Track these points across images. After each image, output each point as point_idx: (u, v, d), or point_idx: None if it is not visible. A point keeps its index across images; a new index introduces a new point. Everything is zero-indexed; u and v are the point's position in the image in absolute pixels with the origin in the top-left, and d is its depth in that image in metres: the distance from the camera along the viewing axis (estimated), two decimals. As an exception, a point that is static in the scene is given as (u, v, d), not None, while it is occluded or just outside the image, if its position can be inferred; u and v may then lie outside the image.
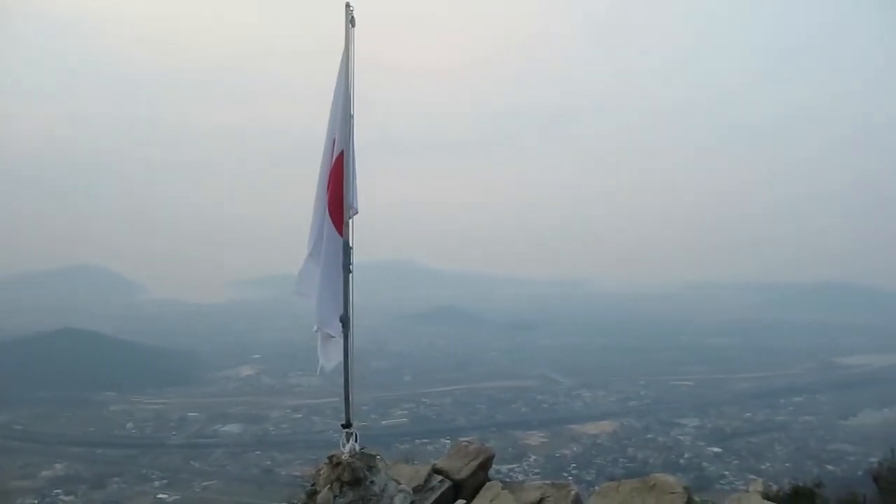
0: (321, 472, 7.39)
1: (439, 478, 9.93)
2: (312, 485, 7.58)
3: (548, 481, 10.41)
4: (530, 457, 79.39)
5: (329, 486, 7.06)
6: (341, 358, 7.48)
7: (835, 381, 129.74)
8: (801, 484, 13.04)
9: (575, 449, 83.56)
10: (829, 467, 70.89)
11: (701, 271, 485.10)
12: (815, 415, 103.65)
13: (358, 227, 7.74)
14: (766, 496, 11.29)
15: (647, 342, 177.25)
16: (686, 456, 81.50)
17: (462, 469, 10.21)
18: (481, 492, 9.86)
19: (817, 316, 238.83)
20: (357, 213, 7.64)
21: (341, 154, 7.37)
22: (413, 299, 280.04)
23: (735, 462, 78.97)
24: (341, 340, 7.40)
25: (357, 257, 7.81)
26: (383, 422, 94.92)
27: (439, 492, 9.66)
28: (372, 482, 7.09)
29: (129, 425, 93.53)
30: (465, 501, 9.70)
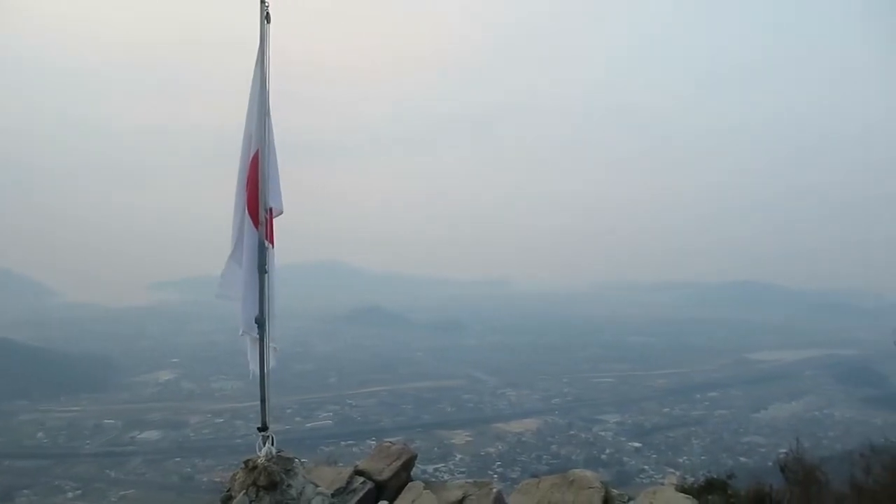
0: (237, 477, 7.21)
1: (361, 479, 9.85)
2: (228, 490, 7.38)
3: (471, 480, 10.45)
4: (456, 456, 79.68)
5: (245, 490, 6.89)
6: (273, 363, 7.34)
7: (747, 376, 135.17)
8: (714, 476, 13.47)
9: (500, 447, 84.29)
10: (742, 459, 73.76)
11: (621, 271, 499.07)
12: (729, 409, 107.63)
13: (283, 228, 7.62)
14: (682, 489, 11.62)
15: (569, 341, 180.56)
16: (608, 451, 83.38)
17: (384, 470, 10.15)
18: (403, 492, 9.83)
19: (731, 314, 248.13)
20: (281, 213, 7.50)
21: (257, 152, 7.23)
22: (338, 300, 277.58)
23: (654, 456, 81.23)
24: (270, 343, 7.26)
25: (282, 258, 7.68)
26: (308, 424, 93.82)
27: (361, 493, 9.57)
28: (289, 486, 6.96)
29: (40, 435, 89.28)
30: (387, 502, 9.64)
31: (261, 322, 7.06)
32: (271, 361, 7.31)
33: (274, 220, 7.49)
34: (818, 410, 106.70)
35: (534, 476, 10.60)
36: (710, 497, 11.60)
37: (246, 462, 7.14)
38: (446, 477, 61.90)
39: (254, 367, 7.27)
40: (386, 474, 10.06)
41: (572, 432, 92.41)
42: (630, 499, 9.65)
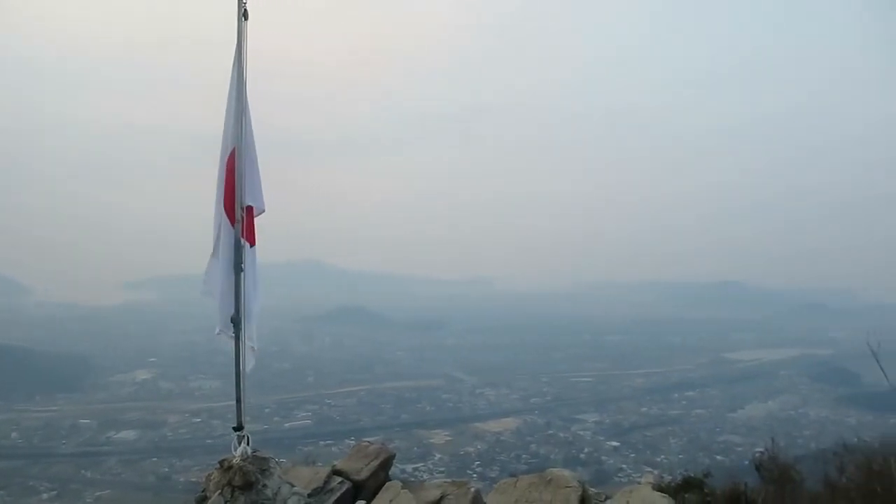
0: (212, 478, 7.14)
1: (339, 479, 9.82)
2: (203, 490, 7.31)
3: (449, 480, 10.45)
4: (435, 455, 79.63)
5: (220, 491, 6.82)
6: (252, 362, 7.29)
7: (724, 375, 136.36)
8: (691, 475, 13.56)
9: (479, 446, 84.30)
10: (719, 458, 74.27)
11: (601, 271, 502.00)
12: (707, 408, 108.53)
13: (263, 227, 7.55)
14: (659, 487, 11.68)
15: (549, 340, 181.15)
16: (586, 450, 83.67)
17: (362, 470, 10.12)
18: (381, 492, 9.80)
19: (709, 314, 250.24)
20: (263, 212, 7.45)
21: (234, 151, 7.16)
22: (318, 299, 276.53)
23: (632, 455, 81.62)
24: (248, 343, 7.21)
25: (262, 257, 7.62)
26: (286, 424, 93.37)
27: (338, 493, 9.54)
28: (264, 486, 6.89)
29: (15, 435, 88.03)
30: (364, 502, 9.61)
31: (236, 321, 6.99)
32: (251, 361, 7.27)
33: (255, 218, 7.44)
34: (794, 410, 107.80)
35: (512, 475, 10.61)
36: (686, 495, 11.67)
37: (221, 462, 7.07)
38: (425, 476, 61.86)
39: (251, 360, 7.27)
40: (364, 474, 10.03)
41: (551, 431, 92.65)
42: (607, 497, 9.69)
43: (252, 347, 7.29)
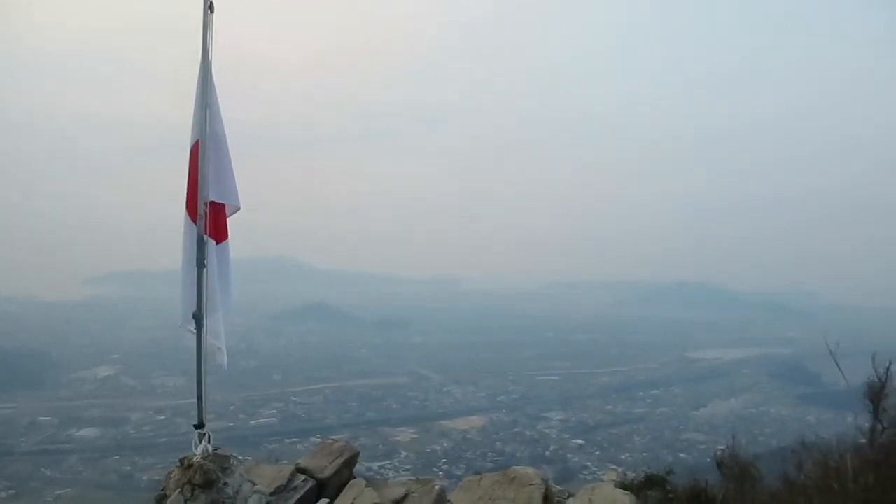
0: (172, 476, 7.05)
1: (302, 477, 9.72)
2: (162, 489, 7.21)
3: (414, 478, 10.42)
4: (401, 453, 79.64)
5: (180, 489, 6.74)
6: (224, 361, 7.22)
7: (688, 374, 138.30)
8: (654, 472, 13.71)
9: (445, 444, 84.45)
10: (682, 455, 75.35)
11: (566, 270, 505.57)
12: (670, 406, 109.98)
13: (229, 222, 7.49)
14: (622, 485, 11.79)
15: (515, 338, 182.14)
16: (552, 448, 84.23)
17: (326, 468, 10.04)
18: (345, 490, 9.73)
19: (674, 313, 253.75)
20: (238, 208, 7.43)
21: (197, 144, 7.07)
22: (285, 296, 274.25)
23: (597, 453, 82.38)
24: (216, 344, 7.14)
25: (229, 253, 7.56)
26: (252, 421, 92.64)
27: (302, 491, 9.45)
28: (225, 484, 6.83)
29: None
30: (328, 500, 9.54)
31: (198, 318, 6.91)
32: (223, 359, 7.21)
33: (228, 215, 7.42)
34: (755, 408, 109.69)
35: (477, 473, 10.62)
36: (648, 493, 11.79)
37: (181, 460, 6.99)
38: (391, 474, 61.84)
39: (221, 359, 7.22)
40: (328, 472, 9.95)
41: (517, 429, 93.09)
42: (570, 495, 9.75)
43: (219, 348, 7.22)
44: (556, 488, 9.63)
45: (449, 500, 9.63)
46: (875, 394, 11.26)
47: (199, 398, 7.02)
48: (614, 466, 62.88)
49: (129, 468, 74.28)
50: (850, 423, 12.06)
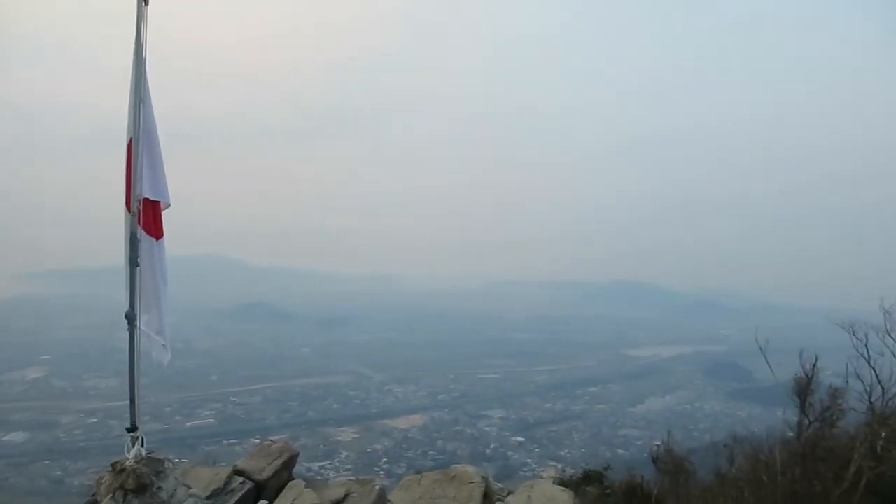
0: (103, 481, 6.86)
1: (240, 480, 9.59)
2: (93, 495, 7.02)
3: (354, 478, 10.38)
4: (342, 453, 79.19)
5: (111, 494, 6.56)
6: (168, 358, 7.09)
7: (625, 371, 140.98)
8: (591, 468, 13.96)
9: (386, 443, 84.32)
10: (620, 451, 76.90)
11: (505, 269, 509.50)
12: (608, 403, 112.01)
13: (164, 220, 7.36)
14: (560, 481, 11.95)
15: (455, 337, 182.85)
16: (492, 446, 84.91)
17: (265, 469, 9.92)
18: (284, 491, 9.64)
19: (611, 312, 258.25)
20: (169, 205, 7.30)
21: (131, 141, 6.94)
22: (220, 295, 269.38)
23: (537, 450, 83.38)
24: (156, 337, 7.00)
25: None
26: (188, 423, 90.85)
27: (240, 494, 9.32)
28: (159, 488, 6.67)
29: None
30: (266, 502, 9.43)
31: (130, 317, 6.74)
32: (166, 357, 7.13)
33: (162, 212, 7.30)
34: (689, 404, 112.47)
35: (418, 472, 10.63)
36: (586, 489, 11.99)
37: (113, 465, 6.81)
38: (331, 475, 61.46)
39: (159, 356, 7.14)
40: (266, 473, 9.83)
41: (458, 428, 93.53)
42: (510, 492, 9.84)
43: (162, 345, 7.11)
44: (496, 486, 9.71)
45: (389, 500, 9.62)
46: (802, 389, 11.70)
47: (133, 400, 6.86)
48: (554, 463, 63.67)
49: (59, 473, 72.01)
50: (780, 418, 12.51)
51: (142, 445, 6.83)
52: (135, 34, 6.89)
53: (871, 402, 11.43)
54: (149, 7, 6.90)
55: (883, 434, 10.58)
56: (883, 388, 11.43)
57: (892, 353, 11.58)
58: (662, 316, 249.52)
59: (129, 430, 6.85)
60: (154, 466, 6.77)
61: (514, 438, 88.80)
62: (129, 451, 6.78)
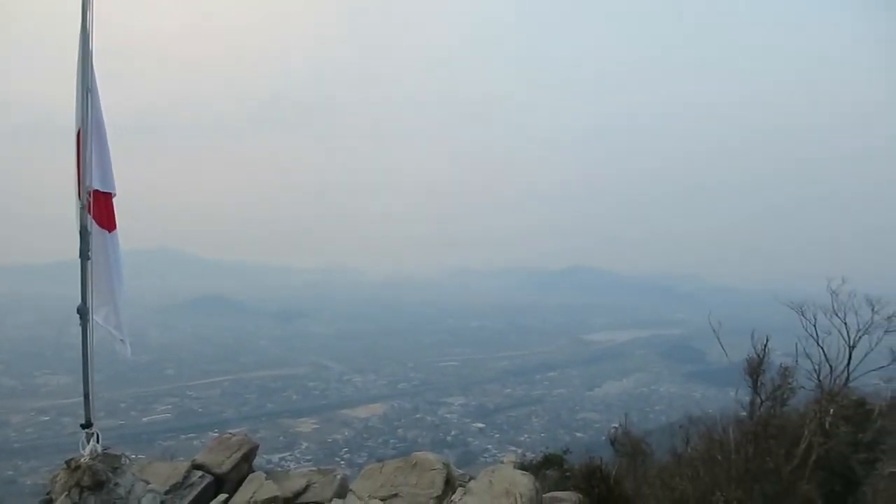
0: (58, 479, 6.73)
1: (199, 473, 9.49)
2: (48, 493, 6.88)
3: (315, 468, 10.35)
4: (302, 444, 78.98)
5: (67, 492, 6.44)
6: (129, 350, 6.98)
7: (582, 356, 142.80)
8: (551, 452, 14.14)
9: (346, 433, 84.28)
10: (579, 434, 77.93)
11: (461, 258, 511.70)
12: (567, 387, 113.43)
13: (117, 213, 7.24)
14: (521, 466, 12.08)
15: (414, 326, 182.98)
16: (453, 433, 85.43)
17: (224, 462, 9.83)
18: (244, 484, 9.57)
19: (567, 298, 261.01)
20: (115, 195, 7.17)
21: (80, 132, 6.79)
22: (174, 288, 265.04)
23: (497, 436, 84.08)
24: (118, 336, 6.88)
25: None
26: (145, 418, 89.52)
27: (199, 488, 9.22)
28: (116, 484, 6.58)
29: None
30: (226, 495, 9.35)
31: (83, 312, 6.60)
32: (126, 350, 7.04)
33: (113, 203, 7.18)
34: (646, 386, 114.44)
35: (379, 461, 10.64)
36: (547, 472, 12.15)
37: (68, 462, 6.69)
38: (292, 466, 60.98)
39: (124, 351, 7.11)
40: (226, 466, 9.75)
41: (418, 416, 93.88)
42: (471, 478, 9.90)
43: (120, 339, 7.00)
44: (457, 472, 9.76)
45: (351, 489, 9.61)
46: (754, 369, 11.99)
47: (87, 396, 6.73)
48: (514, 448, 64.31)
49: (11, 473, 70.37)
50: (733, 398, 12.82)
51: (97, 442, 6.72)
52: (80, 24, 6.75)
53: (819, 380, 11.77)
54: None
55: (831, 410, 10.92)
56: (831, 367, 11.79)
57: (839, 332, 11.94)
58: (618, 301, 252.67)
59: (83, 427, 6.73)
60: (110, 462, 6.67)
61: (474, 425, 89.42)
62: (84, 448, 6.67)
